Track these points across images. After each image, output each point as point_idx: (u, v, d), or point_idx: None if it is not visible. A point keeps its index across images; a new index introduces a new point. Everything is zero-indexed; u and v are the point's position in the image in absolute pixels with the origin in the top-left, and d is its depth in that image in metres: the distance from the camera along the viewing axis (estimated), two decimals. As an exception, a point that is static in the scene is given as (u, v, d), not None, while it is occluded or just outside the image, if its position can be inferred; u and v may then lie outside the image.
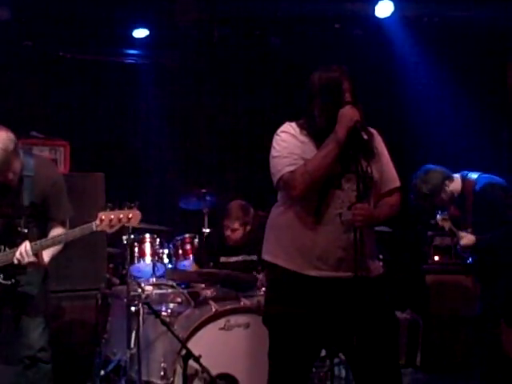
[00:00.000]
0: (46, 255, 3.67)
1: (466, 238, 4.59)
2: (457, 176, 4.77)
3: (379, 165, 3.29)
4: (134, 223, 3.62)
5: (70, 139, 5.57)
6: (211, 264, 4.90)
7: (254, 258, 4.92)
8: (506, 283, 4.60)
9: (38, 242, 3.58)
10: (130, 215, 3.55)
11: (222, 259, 5.15)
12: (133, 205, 3.59)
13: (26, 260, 3.53)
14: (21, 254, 3.52)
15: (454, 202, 4.77)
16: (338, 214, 3.17)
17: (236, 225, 5.06)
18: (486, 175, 4.70)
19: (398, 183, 3.39)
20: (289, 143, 3.24)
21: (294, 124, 3.31)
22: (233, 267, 5.01)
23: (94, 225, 3.53)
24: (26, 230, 3.63)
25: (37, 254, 3.57)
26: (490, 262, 4.62)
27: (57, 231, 3.72)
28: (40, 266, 3.65)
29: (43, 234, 3.71)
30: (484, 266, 4.66)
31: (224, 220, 5.12)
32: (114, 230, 3.57)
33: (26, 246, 3.52)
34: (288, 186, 3.19)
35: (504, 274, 4.59)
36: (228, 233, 5.09)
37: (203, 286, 4.84)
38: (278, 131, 3.32)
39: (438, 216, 4.71)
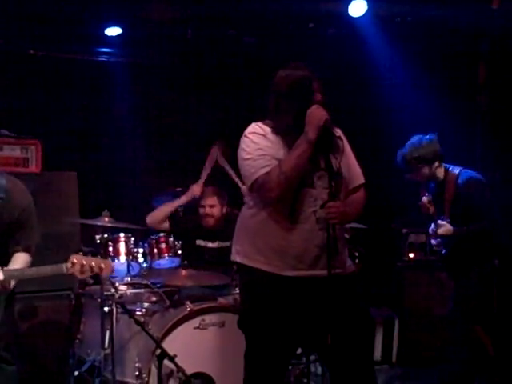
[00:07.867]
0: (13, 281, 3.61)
1: (445, 228, 4.62)
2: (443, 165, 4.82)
3: (345, 162, 3.32)
4: (105, 274, 3.63)
5: (41, 138, 5.50)
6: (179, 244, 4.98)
7: (228, 244, 4.90)
8: (478, 279, 4.63)
9: (8, 269, 3.52)
10: (102, 265, 3.53)
11: (199, 242, 5.20)
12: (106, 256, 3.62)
13: None
14: None
15: (427, 184, 4.77)
16: (313, 212, 3.18)
17: (213, 200, 5.12)
18: (468, 170, 4.75)
19: (363, 179, 3.43)
20: (260, 144, 3.21)
21: (261, 124, 3.30)
22: (208, 253, 5.09)
23: (65, 267, 3.50)
24: None
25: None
26: (463, 257, 4.66)
27: (22, 257, 3.66)
28: (5, 290, 3.57)
29: (3, 254, 3.63)
30: (456, 259, 4.70)
31: (200, 202, 5.18)
32: (83, 276, 3.55)
33: None
34: (264, 189, 3.17)
35: (475, 270, 4.63)
36: (207, 210, 5.12)
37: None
38: (246, 132, 3.29)
39: (425, 198, 4.70)
